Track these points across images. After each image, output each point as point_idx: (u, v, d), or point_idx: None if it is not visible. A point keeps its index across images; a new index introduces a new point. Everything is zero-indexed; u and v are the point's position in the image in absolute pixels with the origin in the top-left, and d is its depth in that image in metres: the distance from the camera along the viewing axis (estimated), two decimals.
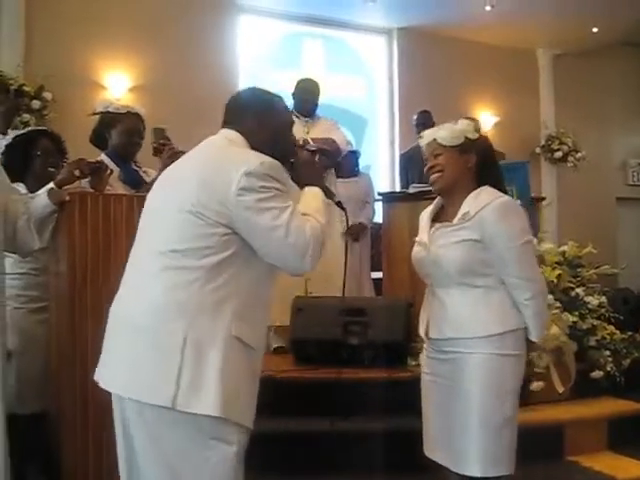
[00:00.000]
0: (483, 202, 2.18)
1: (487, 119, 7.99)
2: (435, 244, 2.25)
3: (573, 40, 8.07)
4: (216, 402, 1.61)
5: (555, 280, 3.78)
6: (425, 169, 2.32)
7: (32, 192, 2.74)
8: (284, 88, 4.33)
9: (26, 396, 2.71)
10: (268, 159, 1.73)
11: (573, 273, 3.98)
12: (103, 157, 2.98)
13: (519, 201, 3.40)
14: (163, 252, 1.70)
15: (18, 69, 5.81)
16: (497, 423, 2.12)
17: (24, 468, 2.67)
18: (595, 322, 3.93)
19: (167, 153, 2.69)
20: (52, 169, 2.89)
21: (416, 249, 2.35)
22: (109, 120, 3.04)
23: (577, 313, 3.85)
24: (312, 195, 1.89)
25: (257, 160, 1.71)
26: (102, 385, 1.75)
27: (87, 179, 2.73)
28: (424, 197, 3.41)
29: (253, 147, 1.83)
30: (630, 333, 4.16)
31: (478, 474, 2.13)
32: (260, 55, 7.49)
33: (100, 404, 1.89)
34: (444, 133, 2.27)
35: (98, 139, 3.10)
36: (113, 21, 6.37)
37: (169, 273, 1.68)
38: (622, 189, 9.13)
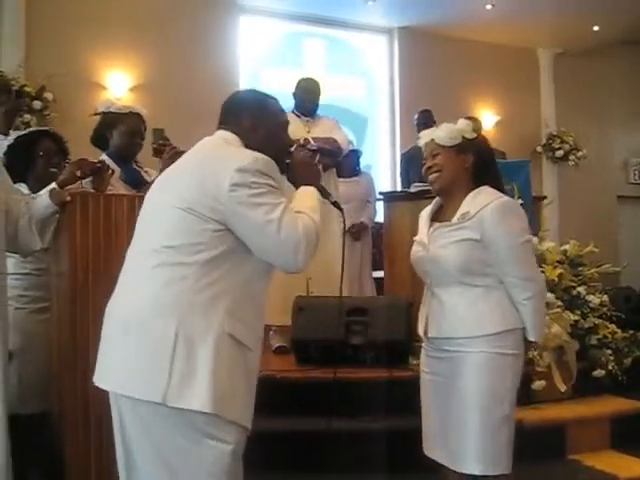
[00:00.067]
0: (483, 202, 2.19)
1: (488, 118, 7.99)
2: (434, 244, 2.26)
3: (574, 39, 8.06)
4: (208, 398, 1.60)
5: (556, 279, 3.78)
6: (423, 169, 2.33)
7: (34, 192, 2.74)
8: (285, 88, 4.34)
9: (28, 396, 2.71)
10: (261, 156, 1.74)
11: (574, 272, 3.98)
12: (104, 157, 2.98)
13: (520, 199, 3.43)
14: (157, 249, 1.70)
15: (19, 70, 5.82)
16: (495, 422, 2.13)
17: (26, 468, 2.67)
18: (597, 321, 3.93)
19: (168, 153, 2.69)
20: (54, 169, 2.89)
21: (415, 248, 2.36)
22: (111, 120, 3.04)
23: (579, 312, 3.85)
24: (307, 194, 1.89)
25: (250, 157, 1.73)
26: (98, 384, 1.75)
27: (88, 179, 2.73)
28: (425, 196, 3.41)
29: (248, 148, 1.83)
30: (632, 332, 4.15)
31: (476, 472, 2.14)
32: (261, 55, 7.49)
33: (101, 404, 1.89)
34: (441, 133, 2.28)
35: (99, 139, 3.09)
36: (113, 21, 6.38)
37: (163, 269, 1.68)
38: (623, 187, 9.12)
